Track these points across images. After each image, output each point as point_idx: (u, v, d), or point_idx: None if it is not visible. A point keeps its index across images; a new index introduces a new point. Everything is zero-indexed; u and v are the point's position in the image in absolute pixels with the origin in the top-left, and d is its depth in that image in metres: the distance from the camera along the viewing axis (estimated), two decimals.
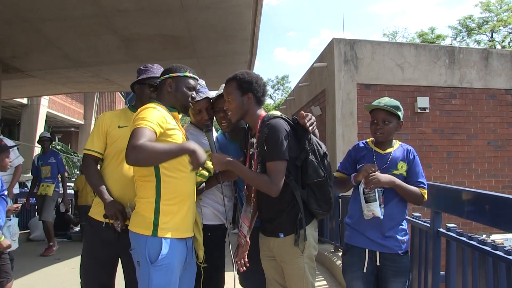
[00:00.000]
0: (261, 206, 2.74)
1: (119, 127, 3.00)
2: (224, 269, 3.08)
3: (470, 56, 9.34)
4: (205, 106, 3.04)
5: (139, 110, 2.47)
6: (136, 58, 7.41)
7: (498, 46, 29.58)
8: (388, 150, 2.95)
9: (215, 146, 2.83)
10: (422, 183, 2.88)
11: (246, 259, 2.80)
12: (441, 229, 3.05)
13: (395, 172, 2.86)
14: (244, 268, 2.80)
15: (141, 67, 3.20)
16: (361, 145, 3.08)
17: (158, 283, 2.33)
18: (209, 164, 2.75)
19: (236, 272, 2.87)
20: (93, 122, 20.58)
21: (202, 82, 3.05)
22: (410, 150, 2.98)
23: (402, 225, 2.89)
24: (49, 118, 18.45)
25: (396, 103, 2.97)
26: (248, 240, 2.76)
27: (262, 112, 2.75)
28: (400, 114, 2.93)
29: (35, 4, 5.36)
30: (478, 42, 31.63)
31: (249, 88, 2.69)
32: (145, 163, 2.31)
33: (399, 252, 2.83)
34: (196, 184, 2.75)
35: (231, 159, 2.62)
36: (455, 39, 32.78)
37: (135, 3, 5.48)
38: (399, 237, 2.83)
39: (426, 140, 9.00)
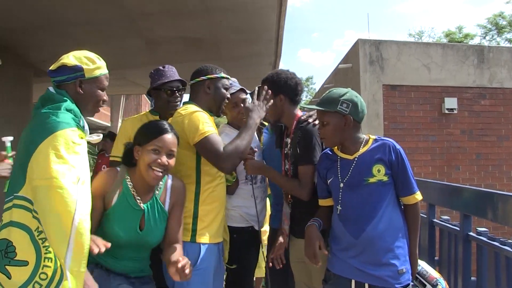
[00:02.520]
0: (293, 207, 2.71)
1: None
2: (251, 271, 3.05)
3: (501, 55, 9.13)
4: (241, 98, 3.01)
5: (183, 114, 2.46)
6: (160, 60, 7.46)
7: None
8: (357, 154, 2.27)
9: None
10: (414, 188, 2.24)
11: (283, 257, 2.77)
12: (471, 233, 2.97)
13: (371, 180, 2.19)
14: (281, 265, 2.75)
15: (152, 71, 3.20)
16: (324, 155, 2.45)
17: (197, 286, 2.34)
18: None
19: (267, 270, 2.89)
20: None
21: (233, 79, 3.04)
22: (391, 145, 2.23)
23: (402, 246, 2.21)
24: None
25: (334, 94, 2.29)
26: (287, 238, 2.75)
27: (298, 112, 2.74)
28: (342, 107, 2.23)
29: (64, 9, 5.45)
30: (510, 41, 30.86)
31: (280, 89, 2.69)
32: (239, 162, 2.46)
33: (397, 286, 2.16)
34: None
35: (264, 165, 2.73)
36: (484, 38, 32.07)
37: (160, 6, 5.52)
38: (397, 265, 2.16)
39: (454, 142, 8.83)
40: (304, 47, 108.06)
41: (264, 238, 3.30)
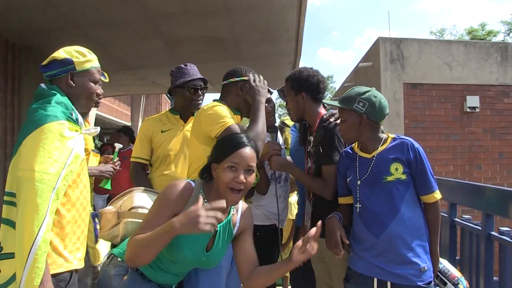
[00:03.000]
0: (314, 206, 2.73)
1: (162, 131, 3.06)
2: None
3: None
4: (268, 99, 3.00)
5: (205, 108, 2.49)
6: (181, 60, 7.49)
7: None
8: (375, 152, 2.30)
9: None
10: (433, 187, 2.25)
11: None
12: (493, 233, 2.93)
13: (389, 178, 2.21)
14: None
15: (174, 70, 3.21)
16: (344, 154, 2.47)
17: (207, 284, 2.31)
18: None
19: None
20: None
21: None
22: (409, 144, 2.24)
23: (422, 244, 2.24)
24: (98, 120, 19.03)
25: (353, 92, 2.32)
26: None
27: (321, 110, 2.74)
28: (358, 106, 2.26)
29: (86, 10, 5.53)
30: None
31: (301, 88, 2.71)
32: (262, 144, 2.47)
33: (419, 284, 2.18)
34: None
35: (289, 162, 2.75)
36: (508, 34, 31.51)
37: (180, 6, 5.55)
38: (419, 263, 2.19)
39: (476, 141, 8.72)
40: (324, 46, 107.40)
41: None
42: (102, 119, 19.70)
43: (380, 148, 2.29)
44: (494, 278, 2.95)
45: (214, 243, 2.10)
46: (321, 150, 2.58)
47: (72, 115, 1.96)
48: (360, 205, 2.31)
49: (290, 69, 8.81)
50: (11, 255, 1.73)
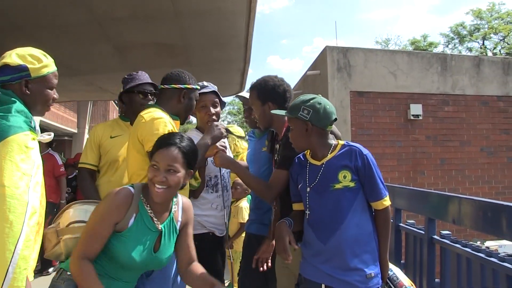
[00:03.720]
0: (281, 214, 2.67)
1: (111, 137, 2.99)
2: (217, 276, 2.96)
3: (462, 63, 9.42)
4: (211, 100, 2.98)
5: (148, 120, 2.36)
6: (130, 66, 7.40)
7: (490, 53, 29.82)
8: (324, 159, 2.29)
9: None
10: (382, 194, 2.23)
11: (269, 261, 2.84)
12: (435, 236, 3.05)
13: (337, 186, 2.20)
14: (265, 268, 2.81)
15: (126, 76, 3.17)
16: (297, 160, 2.45)
17: None
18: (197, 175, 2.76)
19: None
20: (86, 131, 20.50)
21: (206, 83, 3.05)
22: (357, 150, 2.24)
23: (370, 251, 2.23)
24: (42, 127, 18.37)
25: (298, 101, 2.31)
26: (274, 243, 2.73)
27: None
28: (303, 114, 2.25)
29: (28, 11, 5.34)
30: (470, 50, 31.87)
31: (267, 97, 2.70)
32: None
33: None
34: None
35: (234, 160, 2.72)
36: (447, 46, 33.04)
37: (129, 11, 5.46)
38: (365, 270, 2.17)
39: (420, 147, 9.04)
40: (273, 53, 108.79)
41: None
42: (47, 126, 19.01)
43: (329, 156, 2.28)
44: (436, 279, 3.06)
45: (161, 242, 2.10)
46: (278, 155, 2.59)
47: (31, 123, 1.86)
48: (309, 212, 2.32)
49: (239, 76, 8.85)
50: None
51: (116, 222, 1.95)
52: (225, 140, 3.02)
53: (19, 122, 1.79)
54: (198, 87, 2.69)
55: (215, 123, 2.61)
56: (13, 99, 1.86)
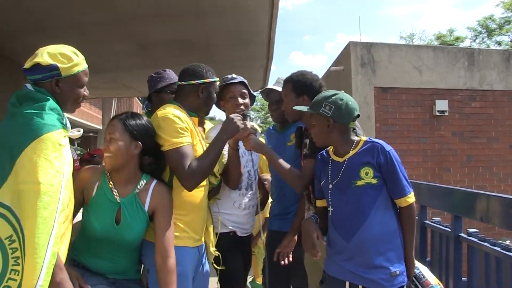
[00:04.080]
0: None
1: None
2: (235, 276, 2.88)
3: (491, 57, 9.21)
4: (240, 91, 2.91)
5: (159, 117, 2.37)
6: (153, 63, 7.47)
7: None
8: (347, 156, 2.27)
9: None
10: (405, 190, 2.20)
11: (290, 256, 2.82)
12: (462, 234, 2.99)
13: (359, 183, 2.18)
14: (287, 262, 2.79)
15: (153, 75, 3.17)
16: (320, 157, 2.44)
17: None
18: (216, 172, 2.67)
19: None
20: None
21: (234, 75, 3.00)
22: (380, 147, 2.21)
23: (395, 249, 2.20)
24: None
25: (320, 97, 2.31)
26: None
27: None
28: (325, 110, 2.24)
29: (55, 12, 5.43)
30: (499, 44, 31.12)
31: (304, 90, 2.70)
32: (205, 178, 2.43)
33: None
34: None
35: (266, 145, 2.67)
36: (475, 40, 32.34)
37: (152, 9, 5.51)
38: (389, 268, 2.15)
39: (445, 144, 8.89)
40: (296, 50, 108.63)
41: None
42: (73, 122, 19.38)
43: (352, 152, 2.26)
44: (463, 278, 3.00)
45: (122, 216, 2.19)
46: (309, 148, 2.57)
47: (63, 121, 1.91)
48: (332, 209, 2.30)
49: (262, 73, 8.84)
50: None
51: (82, 187, 2.21)
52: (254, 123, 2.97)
53: (53, 120, 1.83)
54: (217, 79, 2.65)
55: (231, 115, 2.54)
56: (47, 96, 1.89)
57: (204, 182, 2.52)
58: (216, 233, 2.76)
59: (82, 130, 2.04)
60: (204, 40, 6.81)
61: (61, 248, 1.80)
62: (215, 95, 2.65)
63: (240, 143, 2.68)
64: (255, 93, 3.13)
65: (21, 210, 1.68)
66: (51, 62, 1.94)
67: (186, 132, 2.35)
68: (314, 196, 2.64)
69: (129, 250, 2.28)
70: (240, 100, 2.88)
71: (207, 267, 2.64)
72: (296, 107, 2.55)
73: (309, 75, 2.77)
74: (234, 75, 2.94)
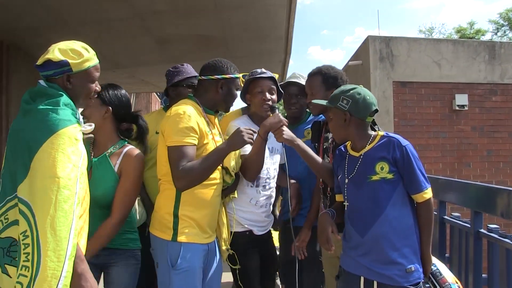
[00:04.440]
0: (332, 201, 2.64)
1: (156, 132, 2.95)
2: (249, 275, 2.81)
3: None
4: (268, 86, 2.81)
5: (172, 112, 2.39)
6: (171, 58, 7.52)
7: None
8: (363, 151, 2.27)
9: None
10: (422, 186, 2.17)
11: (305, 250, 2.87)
12: (482, 230, 2.96)
13: (374, 177, 2.17)
14: (303, 256, 2.83)
15: (171, 69, 3.15)
16: (338, 152, 2.45)
17: (179, 286, 2.31)
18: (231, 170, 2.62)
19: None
20: None
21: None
22: (395, 142, 2.19)
23: (410, 245, 2.19)
24: None
25: (338, 91, 2.31)
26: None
27: None
28: (342, 104, 2.24)
29: (74, 8, 5.50)
30: None
31: (335, 83, 2.69)
32: (197, 183, 2.36)
33: (405, 284, 2.14)
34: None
35: (297, 138, 2.58)
36: (496, 33, 31.78)
37: (170, 4, 5.54)
38: (405, 264, 2.15)
39: (465, 138, 8.79)
40: (314, 44, 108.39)
41: None
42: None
43: (368, 147, 2.25)
44: (483, 275, 2.98)
45: (92, 173, 2.34)
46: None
47: (77, 115, 1.94)
48: (347, 203, 2.30)
49: (280, 67, 8.82)
50: (16, 264, 1.70)
51: None
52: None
53: (68, 115, 1.85)
54: (239, 76, 2.62)
55: (240, 128, 2.46)
56: (60, 92, 1.92)
57: (217, 180, 2.50)
58: (231, 232, 2.73)
59: (93, 125, 2.09)
60: (221, 35, 6.82)
61: (81, 241, 1.84)
62: (235, 92, 2.61)
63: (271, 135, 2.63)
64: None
65: (39, 204, 1.70)
66: (62, 58, 1.96)
67: (192, 133, 2.33)
68: (330, 190, 2.65)
69: (99, 207, 2.30)
70: (268, 96, 2.79)
71: (219, 264, 2.61)
72: (315, 101, 2.55)
73: (337, 70, 2.78)
74: (263, 70, 2.87)
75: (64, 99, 1.90)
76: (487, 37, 31.51)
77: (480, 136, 8.85)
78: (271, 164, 2.90)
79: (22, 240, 1.69)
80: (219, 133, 2.67)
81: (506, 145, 8.91)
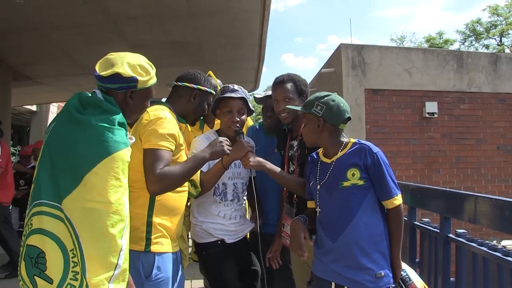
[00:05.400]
0: (298, 208, 2.67)
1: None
2: (226, 283, 2.78)
3: (479, 60, 9.31)
4: (238, 107, 2.79)
5: (152, 116, 2.30)
6: None
7: (508, 50, 29.40)
8: (335, 157, 2.29)
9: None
10: (392, 192, 2.20)
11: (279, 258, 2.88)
12: (450, 235, 3.02)
13: (345, 184, 2.19)
14: (278, 266, 2.83)
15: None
16: (310, 158, 2.47)
17: None
18: (197, 181, 2.59)
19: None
20: None
21: (238, 86, 2.87)
22: (367, 148, 2.22)
23: (381, 250, 2.20)
24: None
25: (313, 97, 2.33)
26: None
27: None
28: (316, 110, 2.27)
29: (46, 12, 5.41)
30: (487, 47, 31.50)
31: (305, 92, 2.73)
32: (172, 189, 2.30)
33: None
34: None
35: (267, 162, 2.58)
36: (463, 43, 32.68)
37: (144, 10, 5.51)
38: (374, 269, 2.16)
39: (435, 145, 8.97)
40: (287, 51, 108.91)
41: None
42: None
43: (340, 153, 2.28)
44: (451, 278, 3.04)
45: None
46: (306, 152, 2.57)
47: (127, 135, 1.89)
48: (319, 209, 2.33)
49: (253, 74, 8.87)
50: (50, 280, 1.66)
51: None
52: (248, 139, 2.91)
53: (123, 137, 1.81)
54: (213, 92, 2.62)
55: (220, 138, 2.47)
56: (116, 109, 1.87)
57: (187, 189, 2.49)
58: (203, 243, 2.74)
59: (134, 138, 2.00)
60: (196, 41, 6.82)
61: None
62: (206, 106, 2.61)
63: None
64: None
65: (84, 227, 1.67)
66: (132, 74, 1.92)
67: (171, 139, 2.29)
68: (296, 197, 2.68)
69: None
70: (237, 118, 2.77)
71: (183, 272, 2.58)
72: (289, 106, 2.57)
73: (303, 78, 2.80)
74: (235, 87, 2.83)
75: (120, 117, 1.85)
76: (455, 46, 32.41)
77: (449, 143, 9.04)
78: (239, 179, 2.88)
79: (72, 258, 1.67)
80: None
81: (474, 152, 9.13)
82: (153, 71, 2.03)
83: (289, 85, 2.74)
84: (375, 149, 2.23)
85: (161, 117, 2.29)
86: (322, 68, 9.95)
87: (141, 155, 2.25)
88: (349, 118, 2.32)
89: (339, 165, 2.25)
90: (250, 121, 3.65)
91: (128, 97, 1.95)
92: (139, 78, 1.94)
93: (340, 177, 2.22)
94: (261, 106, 3.25)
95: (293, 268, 2.86)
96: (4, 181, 5.91)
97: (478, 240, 2.76)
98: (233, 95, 2.76)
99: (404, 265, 2.34)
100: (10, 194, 6.11)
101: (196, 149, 2.63)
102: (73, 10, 5.36)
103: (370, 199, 2.22)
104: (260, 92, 3.44)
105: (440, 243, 3.09)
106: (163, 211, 2.33)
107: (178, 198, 2.41)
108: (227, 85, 2.86)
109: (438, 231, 3.13)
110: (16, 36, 6.08)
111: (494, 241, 2.74)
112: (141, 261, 2.25)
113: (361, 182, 2.19)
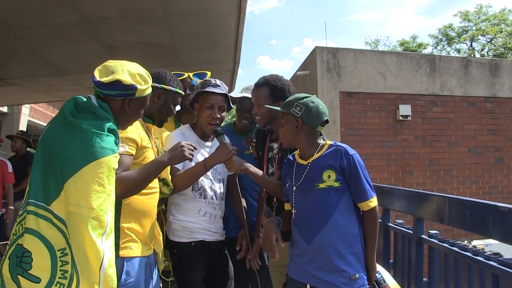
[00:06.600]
0: (278, 211, 2.65)
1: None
2: (195, 285, 2.72)
3: (451, 64, 9.50)
4: (219, 103, 2.74)
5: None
6: None
7: (478, 55, 30.09)
8: (311, 159, 2.29)
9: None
10: (367, 195, 2.21)
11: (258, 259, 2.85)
12: (423, 236, 3.06)
13: (321, 185, 2.20)
14: (258, 266, 2.79)
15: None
16: (286, 160, 2.47)
17: None
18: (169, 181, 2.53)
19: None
20: None
21: (220, 81, 2.82)
22: (343, 150, 2.22)
23: (355, 252, 2.21)
24: (30, 127, 18.20)
25: (292, 98, 2.34)
26: None
27: None
28: (295, 110, 2.26)
29: (16, 10, 5.29)
30: (458, 51, 32.16)
31: (282, 96, 2.67)
32: (132, 194, 2.18)
33: None
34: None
35: (250, 165, 2.56)
36: (436, 47, 33.27)
37: (118, 11, 5.44)
38: (349, 271, 2.16)
39: (408, 148, 9.10)
40: (263, 54, 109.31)
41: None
42: (35, 126, 18.85)
43: (316, 155, 2.28)
44: (424, 279, 3.08)
45: None
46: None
47: (117, 143, 1.91)
48: (295, 211, 2.33)
49: (229, 76, 8.85)
50: (36, 279, 1.67)
51: None
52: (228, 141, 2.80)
53: (112, 144, 1.83)
54: (180, 92, 2.55)
55: (182, 142, 2.34)
56: (108, 116, 1.90)
57: (157, 190, 2.42)
58: (177, 242, 2.68)
59: (126, 146, 1.95)
60: (171, 43, 6.77)
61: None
62: (172, 107, 2.55)
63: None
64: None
65: (70, 230, 1.69)
66: (132, 82, 1.95)
67: (131, 142, 2.22)
68: (276, 200, 2.68)
69: None
70: (217, 114, 2.74)
71: (158, 276, 2.52)
72: (268, 106, 2.55)
73: (284, 81, 2.76)
74: (218, 82, 2.78)
75: (110, 125, 1.87)
76: (428, 50, 32.97)
77: (423, 145, 9.19)
78: (216, 175, 2.82)
79: (60, 257, 1.69)
80: (155, 143, 2.55)
81: (446, 154, 9.31)
82: (150, 80, 2.07)
83: (262, 90, 2.72)
84: (351, 151, 2.24)
85: None
86: (297, 70, 10.00)
87: None
88: (327, 121, 2.33)
89: (315, 166, 2.26)
90: None
91: (126, 105, 1.98)
92: (138, 86, 1.97)
93: (316, 179, 2.22)
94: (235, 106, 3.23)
95: (270, 270, 2.87)
96: None
97: (450, 241, 2.80)
98: (216, 90, 2.73)
99: (379, 267, 2.35)
100: None
101: (171, 144, 2.55)
102: (45, 9, 5.26)
103: (345, 201, 2.22)
104: (236, 93, 3.40)
105: (413, 244, 3.13)
106: (132, 215, 2.26)
107: (147, 200, 2.33)
108: (209, 79, 2.81)
109: (412, 232, 3.16)
110: None
111: (465, 241, 2.78)
112: None
113: (336, 184, 2.20)
